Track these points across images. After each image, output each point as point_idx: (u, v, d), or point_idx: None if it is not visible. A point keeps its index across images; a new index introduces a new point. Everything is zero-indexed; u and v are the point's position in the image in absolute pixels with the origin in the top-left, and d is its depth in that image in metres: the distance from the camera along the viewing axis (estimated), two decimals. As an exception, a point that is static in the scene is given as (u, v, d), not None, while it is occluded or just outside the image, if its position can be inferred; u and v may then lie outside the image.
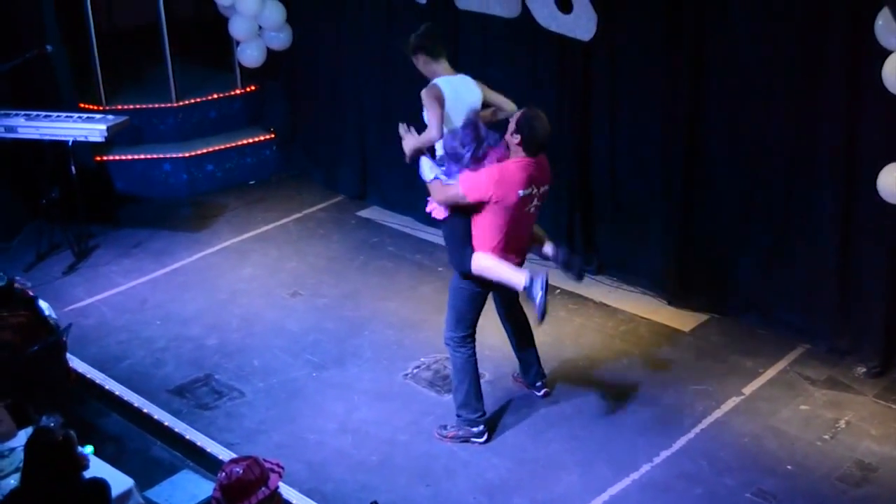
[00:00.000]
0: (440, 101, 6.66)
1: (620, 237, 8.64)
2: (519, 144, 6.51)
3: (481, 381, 7.32)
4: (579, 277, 7.08)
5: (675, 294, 8.30)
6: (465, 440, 6.93)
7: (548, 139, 6.58)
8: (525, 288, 6.48)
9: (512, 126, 6.53)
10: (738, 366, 7.59)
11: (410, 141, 6.77)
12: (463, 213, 6.63)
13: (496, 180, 6.47)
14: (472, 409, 6.90)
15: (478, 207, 6.53)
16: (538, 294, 6.42)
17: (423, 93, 6.73)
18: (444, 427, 7.00)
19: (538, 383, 7.35)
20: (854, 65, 6.98)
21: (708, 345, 7.86)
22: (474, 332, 6.87)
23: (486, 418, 6.97)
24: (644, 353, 7.80)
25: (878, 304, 7.33)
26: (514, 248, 6.71)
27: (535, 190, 6.60)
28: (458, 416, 6.94)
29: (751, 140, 7.67)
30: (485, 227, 6.58)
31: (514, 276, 6.53)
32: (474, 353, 6.86)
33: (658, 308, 8.31)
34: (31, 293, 6.95)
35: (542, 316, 6.49)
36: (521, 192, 6.51)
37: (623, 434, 6.96)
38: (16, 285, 6.92)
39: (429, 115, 6.70)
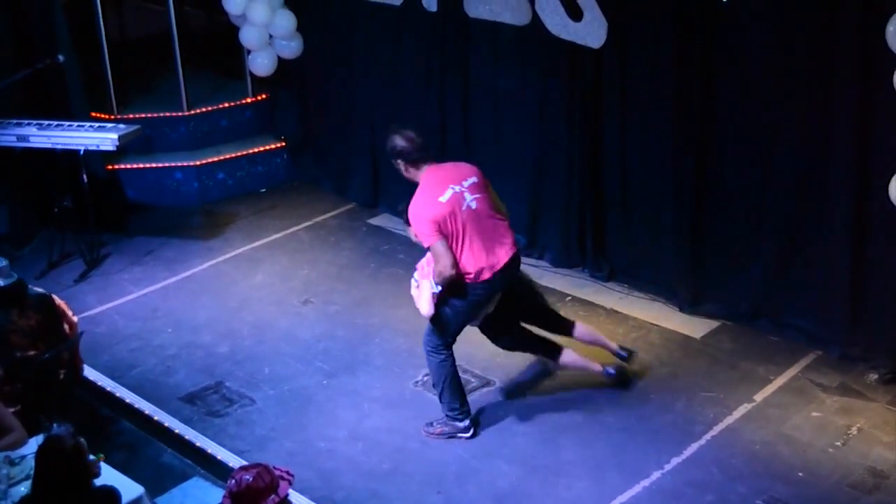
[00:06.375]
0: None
1: (631, 244, 8.63)
2: (407, 169, 6.69)
3: (491, 388, 7.37)
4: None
5: (687, 300, 8.28)
6: (452, 436, 6.97)
7: (417, 143, 6.66)
8: None
9: (393, 160, 6.72)
10: (750, 372, 7.57)
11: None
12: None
13: (419, 213, 6.53)
14: (456, 405, 6.93)
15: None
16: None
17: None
18: (431, 424, 7.04)
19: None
20: (865, 70, 6.96)
21: (719, 351, 7.84)
22: (452, 342, 6.88)
23: (472, 414, 7.00)
24: (655, 360, 7.77)
25: (890, 311, 7.31)
26: (484, 248, 6.62)
27: (459, 187, 6.60)
28: (447, 414, 7.00)
29: (762, 146, 7.65)
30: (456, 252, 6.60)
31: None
32: (449, 357, 6.87)
33: (669, 315, 8.29)
34: (54, 299, 6.90)
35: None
36: (442, 199, 6.53)
37: (634, 441, 6.95)
38: (32, 287, 6.92)
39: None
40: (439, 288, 6.67)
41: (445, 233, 6.50)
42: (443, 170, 6.72)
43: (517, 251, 6.87)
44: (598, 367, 7.30)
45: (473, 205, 6.61)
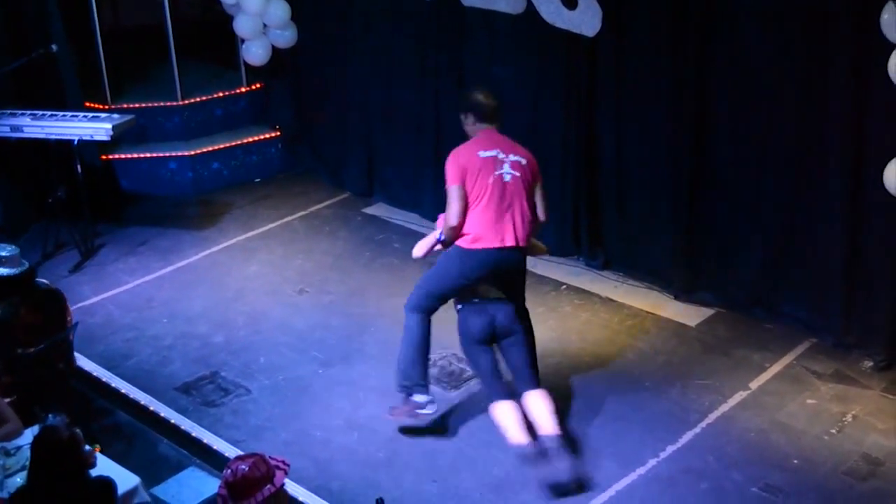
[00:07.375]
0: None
1: (627, 232, 8.63)
2: (471, 122, 6.74)
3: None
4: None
5: (682, 289, 8.29)
6: (412, 415, 6.82)
7: (492, 105, 6.72)
8: None
9: (462, 112, 6.78)
10: (745, 360, 7.59)
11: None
12: None
13: (455, 155, 6.61)
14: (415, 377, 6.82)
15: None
16: None
17: None
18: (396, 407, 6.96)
19: None
20: (860, 59, 6.96)
21: (714, 339, 7.86)
22: (428, 307, 6.78)
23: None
24: (650, 348, 7.79)
25: (885, 298, 7.32)
26: (493, 220, 6.51)
27: (502, 154, 6.59)
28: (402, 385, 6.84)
29: (757, 135, 7.66)
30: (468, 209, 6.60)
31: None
32: (422, 322, 6.77)
33: (664, 303, 8.30)
34: (63, 296, 6.88)
35: None
36: (481, 154, 6.56)
37: (629, 429, 6.96)
38: (42, 280, 6.91)
39: None
40: (442, 237, 6.72)
41: (467, 186, 6.52)
42: (499, 138, 6.72)
43: (520, 250, 6.63)
44: None
45: (507, 178, 6.56)
